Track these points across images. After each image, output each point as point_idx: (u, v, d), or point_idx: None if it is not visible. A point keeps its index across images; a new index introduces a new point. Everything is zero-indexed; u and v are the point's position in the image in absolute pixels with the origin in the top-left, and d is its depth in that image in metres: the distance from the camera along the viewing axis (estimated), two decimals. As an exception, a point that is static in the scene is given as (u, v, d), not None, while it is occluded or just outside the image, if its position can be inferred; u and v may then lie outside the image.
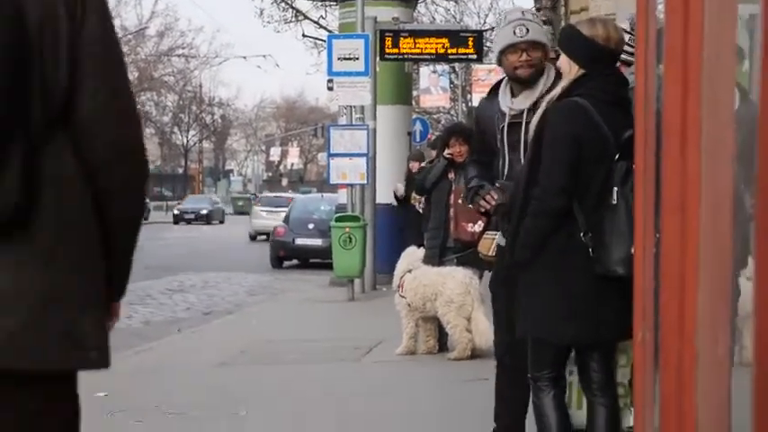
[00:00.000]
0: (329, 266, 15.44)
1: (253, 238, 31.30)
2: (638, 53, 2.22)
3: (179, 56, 60.61)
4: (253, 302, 14.38)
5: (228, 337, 10.16)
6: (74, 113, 2.17)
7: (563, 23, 23.31)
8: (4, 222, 2.07)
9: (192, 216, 48.37)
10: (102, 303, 2.24)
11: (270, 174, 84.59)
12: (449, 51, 15.44)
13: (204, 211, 49.22)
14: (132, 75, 54.86)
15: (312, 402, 6.86)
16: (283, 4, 30.15)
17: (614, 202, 3.97)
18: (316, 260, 20.24)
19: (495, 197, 4.61)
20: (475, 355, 8.20)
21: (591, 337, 4.17)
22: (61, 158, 2.16)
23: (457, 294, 8.16)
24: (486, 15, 37.06)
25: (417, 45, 15.42)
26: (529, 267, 4.15)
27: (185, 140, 68.08)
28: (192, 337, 10.46)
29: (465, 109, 37.31)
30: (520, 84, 4.67)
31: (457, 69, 36.49)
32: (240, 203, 59.41)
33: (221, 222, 49.72)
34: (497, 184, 4.70)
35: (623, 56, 5.60)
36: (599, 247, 3.97)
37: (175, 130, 67.44)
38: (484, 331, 8.02)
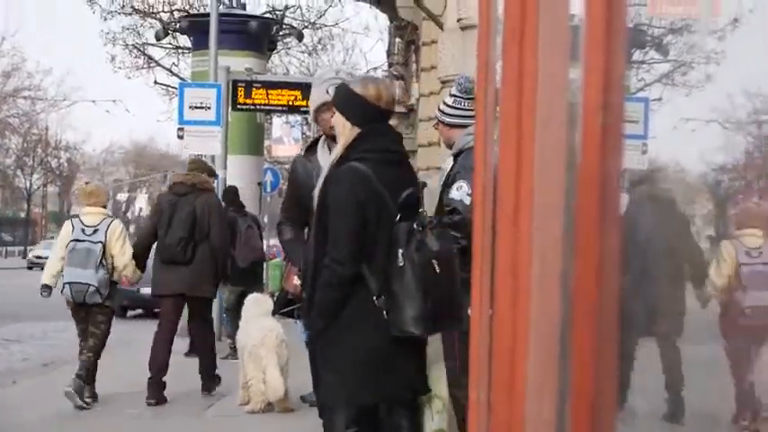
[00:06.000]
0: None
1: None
2: (477, 118, 2.28)
3: (25, 97, 59.16)
4: (94, 353, 13.95)
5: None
6: (209, 237, 9.05)
7: (414, 79, 23.74)
8: (187, 261, 8.94)
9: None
10: (216, 281, 9.36)
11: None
12: (301, 103, 15.50)
13: None
14: (-25, 115, 53.25)
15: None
16: (135, 51, 29.82)
17: (400, 264, 4.01)
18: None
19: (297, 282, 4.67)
20: (268, 408, 8.28)
21: (390, 396, 4.23)
22: (205, 246, 9.03)
23: (252, 346, 8.20)
24: (344, 68, 37.40)
25: (270, 96, 15.44)
26: (324, 334, 4.16)
27: (29, 184, 66.25)
28: (28, 390, 10.11)
29: (317, 160, 37.40)
30: (336, 141, 4.74)
31: (309, 121, 36.64)
32: (86, 250, 57.85)
33: None
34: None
35: (453, 120, 5.74)
36: (392, 309, 4.02)
37: (18, 173, 65.60)
38: (273, 385, 8.09)
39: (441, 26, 11.09)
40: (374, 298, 4.05)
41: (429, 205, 6.87)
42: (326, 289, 4.11)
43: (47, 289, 8.96)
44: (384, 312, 4.03)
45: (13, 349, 14.50)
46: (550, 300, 1.54)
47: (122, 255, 8.71)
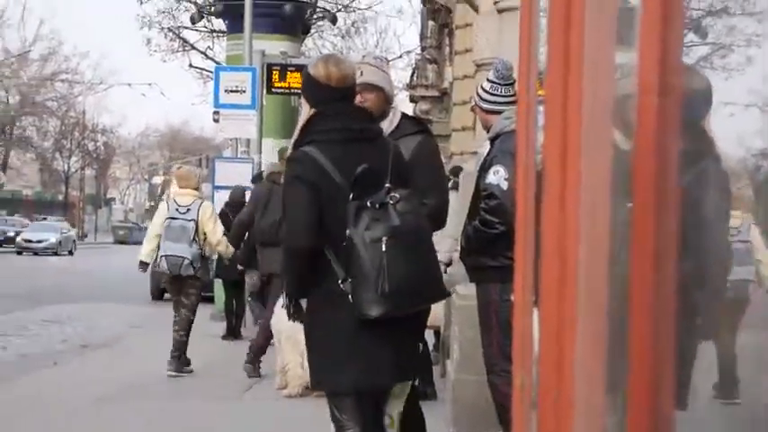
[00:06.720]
0: (211, 300, 15.23)
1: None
2: (519, 99, 2.25)
3: (62, 81, 59.50)
4: (132, 335, 14.06)
5: (107, 371, 9.94)
6: None
7: (447, 63, 23.67)
8: (281, 242, 4.62)
9: (39, 246, 43.25)
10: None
11: (152, 203, 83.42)
12: (336, 87, 15.44)
13: (52, 240, 44.17)
14: (14, 98, 53.61)
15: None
16: (171, 35, 29.95)
17: (349, 244, 3.89)
18: (197, 293, 19.91)
19: None
20: (306, 393, 8.14)
21: (369, 383, 4.08)
22: None
23: (290, 330, 8.12)
24: (373, 52, 37.35)
25: (305, 79, 15.46)
26: (304, 318, 4.16)
27: (66, 167, 66.73)
28: (68, 371, 10.20)
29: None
30: None
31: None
32: (121, 232, 58.29)
33: (70, 254, 44.74)
34: None
35: (490, 106, 5.72)
36: (353, 292, 3.90)
37: (57, 155, 66.08)
38: None
39: (476, 9, 11.03)
40: (340, 282, 3.93)
41: (465, 190, 6.84)
42: (288, 261, 4.16)
43: (143, 266, 10.13)
44: (350, 297, 3.92)
45: (52, 330, 14.63)
46: (598, 283, 1.53)
47: (214, 233, 9.80)
